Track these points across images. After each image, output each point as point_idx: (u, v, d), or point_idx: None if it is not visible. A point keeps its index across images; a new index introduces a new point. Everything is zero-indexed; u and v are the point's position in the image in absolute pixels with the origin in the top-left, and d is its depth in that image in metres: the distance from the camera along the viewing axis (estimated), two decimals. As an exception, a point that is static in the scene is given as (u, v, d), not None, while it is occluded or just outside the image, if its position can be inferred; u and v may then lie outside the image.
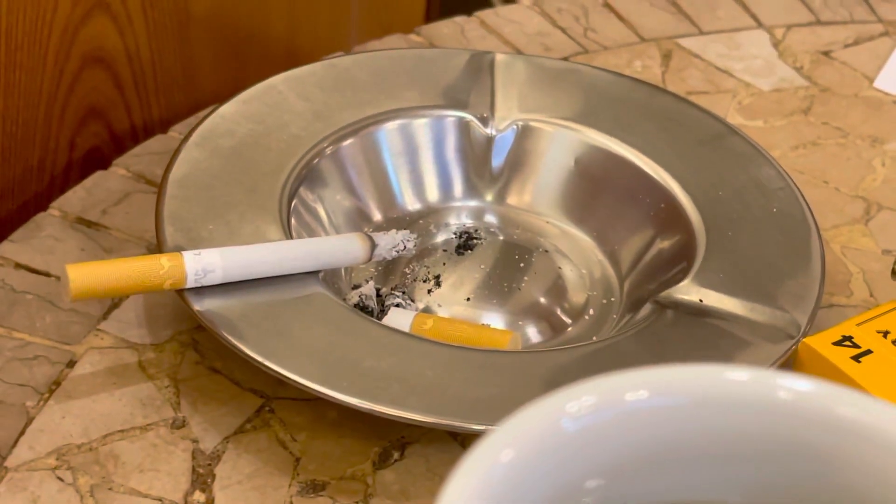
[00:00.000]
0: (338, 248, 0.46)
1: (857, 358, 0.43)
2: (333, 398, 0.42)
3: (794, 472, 0.25)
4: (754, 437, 0.25)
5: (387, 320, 0.46)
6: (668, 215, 0.50)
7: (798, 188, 0.51)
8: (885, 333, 0.44)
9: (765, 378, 0.25)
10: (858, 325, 0.44)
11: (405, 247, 0.47)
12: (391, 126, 0.52)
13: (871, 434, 0.24)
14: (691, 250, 0.48)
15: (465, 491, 0.23)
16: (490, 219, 0.52)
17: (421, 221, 0.51)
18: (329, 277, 0.47)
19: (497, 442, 0.24)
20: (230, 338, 0.43)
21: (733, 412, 0.25)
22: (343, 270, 0.49)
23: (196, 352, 0.46)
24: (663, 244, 0.50)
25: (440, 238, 0.51)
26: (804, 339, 0.44)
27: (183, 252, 0.43)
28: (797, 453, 0.25)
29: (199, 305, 0.44)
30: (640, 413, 0.25)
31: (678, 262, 0.48)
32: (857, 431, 0.24)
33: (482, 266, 0.50)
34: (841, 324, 0.44)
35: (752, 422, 0.25)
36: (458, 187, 0.52)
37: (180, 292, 0.44)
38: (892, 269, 0.45)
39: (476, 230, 0.51)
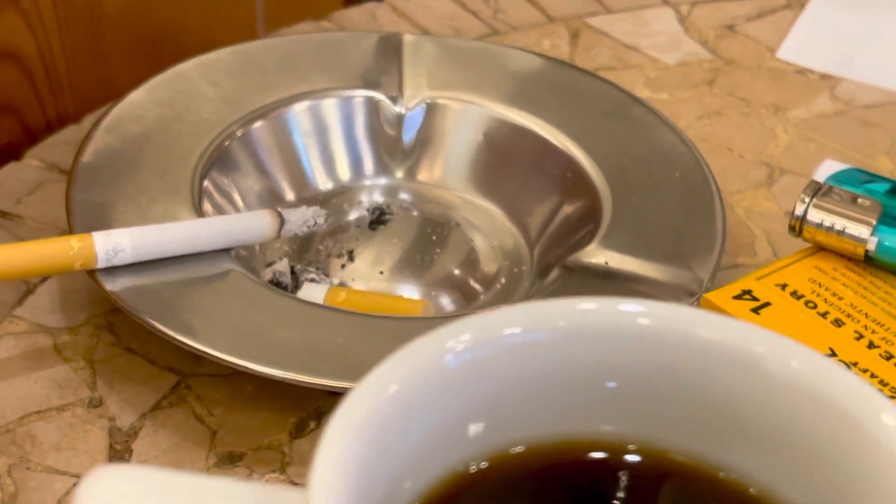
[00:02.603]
0: (247, 224, 0.46)
1: (756, 310, 0.44)
2: (248, 369, 0.42)
3: (664, 398, 0.26)
4: (622, 365, 0.26)
5: (300, 295, 0.47)
6: (575, 184, 0.51)
7: (701, 155, 0.52)
8: (784, 286, 0.45)
9: (615, 305, 0.26)
10: (758, 279, 0.46)
11: (316, 222, 0.48)
12: (300, 108, 0.53)
13: (731, 355, 0.25)
14: (597, 216, 0.49)
15: (353, 419, 0.24)
16: (402, 195, 0.53)
17: (334, 200, 0.52)
18: (242, 256, 0.48)
19: (383, 376, 0.25)
20: (144, 316, 0.43)
21: (598, 342, 0.26)
22: (257, 249, 0.49)
23: (111, 333, 0.46)
24: (570, 212, 0.51)
25: (353, 216, 0.52)
26: (705, 294, 0.45)
27: (93, 233, 0.44)
28: (664, 380, 0.26)
29: (112, 286, 0.44)
30: (515, 348, 0.26)
31: (585, 228, 0.49)
32: (719, 352, 0.25)
33: (395, 241, 0.51)
34: (741, 279, 0.46)
35: (617, 350, 0.26)
36: (369, 166, 0.53)
37: (92, 274, 0.44)
38: (790, 226, 0.47)
39: (388, 206, 0.52)
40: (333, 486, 0.22)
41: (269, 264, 0.49)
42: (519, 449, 0.26)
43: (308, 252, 0.50)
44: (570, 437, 0.26)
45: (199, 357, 0.45)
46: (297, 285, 0.48)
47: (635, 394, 0.26)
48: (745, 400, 0.25)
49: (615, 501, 0.26)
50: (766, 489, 0.25)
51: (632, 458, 0.26)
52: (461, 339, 0.26)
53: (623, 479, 0.26)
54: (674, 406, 0.26)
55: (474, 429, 0.26)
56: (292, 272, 0.49)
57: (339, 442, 0.23)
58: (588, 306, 0.26)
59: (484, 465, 0.26)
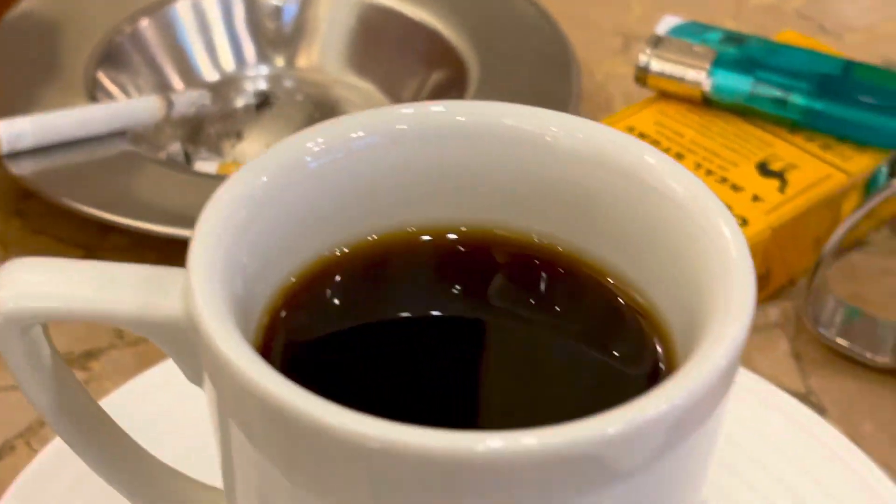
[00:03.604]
0: (139, 106, 0.50)
1: (607, 151, 0.49)
2: (153, 232, 0.46)
3: (484, 183, 0.30)
4: (448, 159, 0.30)
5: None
6: (443, 57, 0.55)
7: (560, 27, 0.57)
8: (632, 129, 0.50)
9: (429, 107, 0.30)
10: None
11: (202, 103, 0.52)
12: (182, 5, 0.56)
13: (532, 137, 0.30)
14: (464, 83, 0.54)
15: (230, 197, 0.28)
16: (286, 82, 0.57)
17: (221, 91, 0.56)
18: (137, 142, 0.52)
19: (254, 168, 0.29)
20: (52, 195, 0.47)
21: (426, 141, 0.30)
22: (151, 135, 0.53)
23: (20, 218, 0.50)
24: (440, 80, 0.55)
25: (240, 103, 0.56)
26: (561, 141, 0.50)
27: (-6, 122, 0.47)
28: (482, 167, 0.30)
29: (19, 170, 0.48)
30: (360, 150, 0.30)
31: (453, 94, 0.54)
32: (521, 136, 0.30)
33: (281, 121, 0.55)
34: (593, 125, 0.50)
35: (443, 146, 0.30)
36: (251, 56, 0.57)
37: (-2, 161, 0.48)
38: (636, 77, 0.52)
39: (272, 91, 0.56)
40: (212, 253, 0.26)
41: (163, 148, 0.53)
42: (373, 237, 0.31)
43: (199, 136, 0.54)
44: (413, 224, 0.31)
45: (104, 231, 0.49)
46: (190, 165, 0.52)
47: (461, 183, 0.30)
48: (546, 174, 0.30)
49: (456, 274, 0.31)
50: (571, 246, 0.30)
51: (463, 237, 0.31)
52: (317, 141, 0.30)
53: (458, 251, 0.31)
54: (492, 189, 0.30)
55: (334, 219, 0.30)
56: (185, 155, 0.53)
57: (217, 218, 0.27)
58: (407, 111, 0.30)
59: (345, 249, 0.31)
